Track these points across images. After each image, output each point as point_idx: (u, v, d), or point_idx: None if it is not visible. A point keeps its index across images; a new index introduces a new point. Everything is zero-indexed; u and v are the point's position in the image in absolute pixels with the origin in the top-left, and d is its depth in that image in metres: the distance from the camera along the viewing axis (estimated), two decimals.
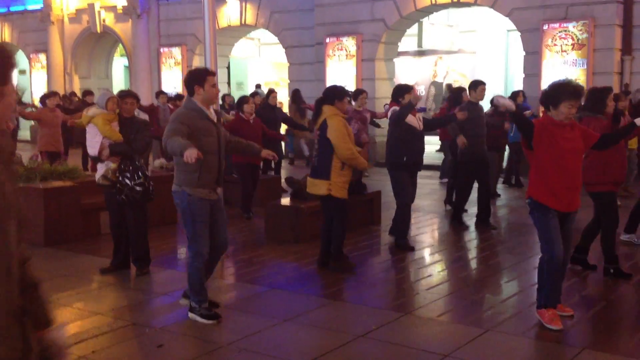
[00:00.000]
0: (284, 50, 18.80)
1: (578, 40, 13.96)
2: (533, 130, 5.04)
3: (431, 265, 7.39)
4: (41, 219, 7.81)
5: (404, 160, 7.51)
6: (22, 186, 7.64)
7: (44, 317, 2.17)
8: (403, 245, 7.72)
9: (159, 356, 4.80)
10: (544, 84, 14.15)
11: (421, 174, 8.44)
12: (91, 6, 21.49)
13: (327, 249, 6.88)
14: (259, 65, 24.33)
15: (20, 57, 23.55)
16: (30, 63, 23.86)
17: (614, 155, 6.05)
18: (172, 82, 20.52)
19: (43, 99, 12.14)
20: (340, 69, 16.94)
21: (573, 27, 13.97)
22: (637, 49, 13.97)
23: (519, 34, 15.08)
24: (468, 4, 16.00)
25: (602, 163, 6.08)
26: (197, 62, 20.20)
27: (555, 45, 14.17)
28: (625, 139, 6.02)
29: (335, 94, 6.67)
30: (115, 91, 8.94)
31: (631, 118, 6.63)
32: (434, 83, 19.59)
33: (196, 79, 5.23)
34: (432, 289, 6.51)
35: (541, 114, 5.39)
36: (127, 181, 6.41)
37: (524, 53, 14.90)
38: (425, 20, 18.20)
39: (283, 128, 13.37)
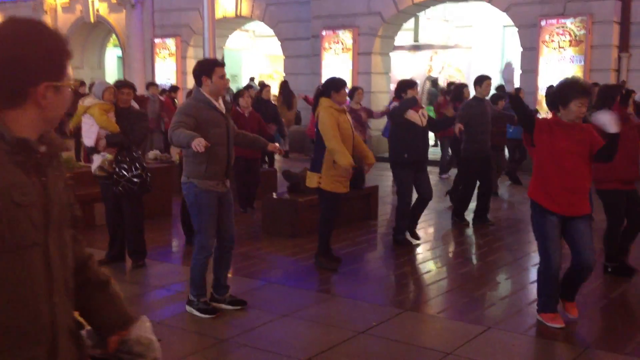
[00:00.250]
0: (279, 42, 18.68)
1: (575, 36, 13.93)
2: (534, 123, 4.94)
3: (429, 261, 7.33)
4: None
5: (404, 158, 7.39)
6: None
7: (123, 316, 2.00)
8: (401, 241, 7.65)
9: None
10: (541, 81, 14.14)
11: None
12: None
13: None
14: (253, 58, 24.19)
15: None
16: None
17: (619, 152, 5.88)
18: (166, 73, 20.37)
19: None
20: (336, 63, 16.84)
21: (571, 24, 13.93)
22: (634, 46, 13.94)
23: (516, 29, 15.03)
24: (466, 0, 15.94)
25: None
26: (191, 54, 20.05)
27: (552, 41, 14.13)
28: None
29: (331, 85, 6.57)
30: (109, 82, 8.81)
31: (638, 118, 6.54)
32: (429, 78, 19.52)
33: (204, 69, 5.13)
34: (432, 285, 6.45)
35: (550, 116, 5.21)
36: (124, 172, 6.31)
37: (521, 49, 14.84)
38: (421, 14, 18.12)
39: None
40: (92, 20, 21.59)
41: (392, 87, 17.84)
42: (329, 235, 6.74)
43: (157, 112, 14.22)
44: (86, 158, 9.22)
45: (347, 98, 8.09)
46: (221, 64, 5.25)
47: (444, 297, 6.07)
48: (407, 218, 7.71)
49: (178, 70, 20.28)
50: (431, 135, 14.64)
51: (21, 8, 22.81)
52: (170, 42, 20.42)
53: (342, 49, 16.82)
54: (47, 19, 22.29)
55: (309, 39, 17.41)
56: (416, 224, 7.85)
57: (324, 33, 16.96)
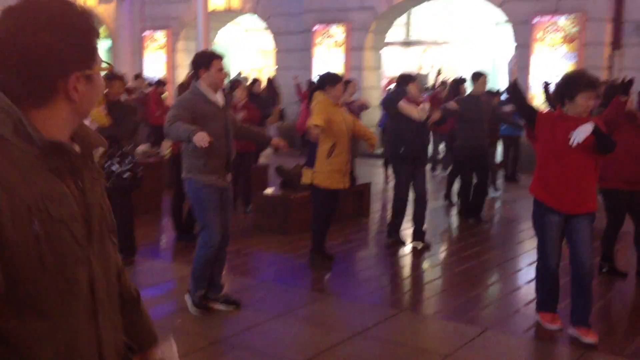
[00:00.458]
0: (271, 36, 18.51)
1: (568, 33, 13.87)
2: (534, 116, 4.78)
3: (423, 260, 7.22)
4: None
5: (401, 152, 7.27)
6: None
7: (150, 335, 1.82)
8: (392, 240, 7.55)
9: None
10: (533, 78, 14.08)
11: None
12: None
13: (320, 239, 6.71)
14: (243, 52, 24.00)
15: None
16: None
17: (619, 149, 5.70)
18: (156, 66, 20.16)
19: None
20: (328, 57, 16.71)
21: (564, 20, 13.87)
22: (627, 43, 13.90)
23: (508, 26, 14.95)
24: None
25: (611, 157, 5.68)
26: (181, 46, 19.85)
27: (545, 38, 14.07)
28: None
29: (326, 80, 6.46)
30: None
31: None
32: (419, 74, 19.41)
33: (202, 62, 4.99)
34: (426, 284, 6.37)
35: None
36: (115, 167, 6.16)
37: (514, 45, 14.76)
38: (413, 10, 18.01)
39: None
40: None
41: (383, 82, 17.85)
42: (323, 233, 6.63)
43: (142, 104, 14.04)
44: None
45: None
46: (219, 57, 5.11)
47: (439, 297, 5.98)
48: (401, 215, 7.58)
49: (168, 63, 20.08)
50: None
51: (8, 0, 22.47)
52: (160, 35, 20.21)
53: (335, 43, 16.69)
54: None
55: (301, 33, 17.27)
56: (420, 229, 7.51)
57: (316, 27, 16.82)
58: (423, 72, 19.47)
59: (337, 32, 16.62)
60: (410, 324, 5.25)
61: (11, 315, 1.33)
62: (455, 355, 4.51)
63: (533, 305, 5.32)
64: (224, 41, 21.94)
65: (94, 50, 1.45)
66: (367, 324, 5.03)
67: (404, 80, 7.39)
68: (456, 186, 9.59)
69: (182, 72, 19.51)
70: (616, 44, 13.98)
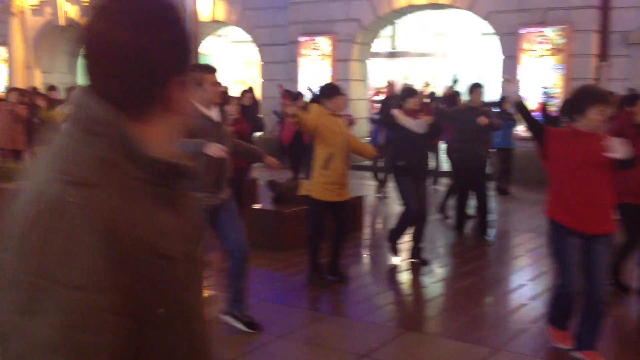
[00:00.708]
0: (254, 48, 18.36)
1: (556, 45, 13.89)
2: (543, 133, 4.64)
3: (421, 276, 7.04)
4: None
5: (401, 164, 7.12)
6: None
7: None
8: (391, 249, 7.39)
9: None
10: (520, 89, 14.04)
11: None
12: None
13: (334, 257, 6.53)
14: (227, 64, 23.81)
15: None
16: None
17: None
18: None
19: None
20: (314, 69, 16.60)
21: (551, 32, 13.88)
22: (613, 55, 13.94)
23: (494, 38, 14.94)
24: (445, 6, 15.81)
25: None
26: None
27: (532, 50, 14.07)
28: None
29: (323, 92, 6.32)
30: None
31: None
32: (404, 85, 19.33)
33: (194, 77, 4.80)
34: (428, 302, 6.22)
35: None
36: None
37: (502, 57, 14.74)
38: (399, 21, 17.97)
39: None
40: (62, 23, 21.03)
41: (370, 94, 17.76)
42: (316, 248, 6.46)
43: None
44: None
45: None
46: (213, 70, 4.92)
47: (442, 316, 5.83)
48: (406, 226, 7.35)
49: None
50: None
51: None
52: None
53: (320, 55, 16.58)
54: (16, 22, 21.71)
55: (287, 44, 17.15)
56: (417, 246, 7.37)
57: (301, 39, 16.71)
58: (409, 83, 19.40)
59: (323, 43, 16.52)
60: (417, 345, 5.09)
61: None
62: None
63: (540, 324, 5.19)
64: (209, 51, 21.76)
65: (189, 51, 1.25)
66: (371, 345, 4.86)
67: (406, 93, 7.28)
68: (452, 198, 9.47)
69: None
70: (603, 55, 14.02)
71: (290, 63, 17.01)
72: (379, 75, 18.51)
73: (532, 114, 5.07)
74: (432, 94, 14.33)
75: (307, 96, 11.81)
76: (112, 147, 1.13)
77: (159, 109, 1.20)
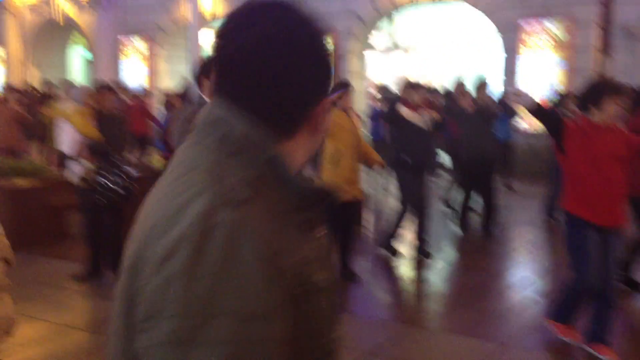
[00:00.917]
0: None
1: (557, 39, 13.79)
2: (562, 128, 4.53)
3: (424, 271, 6.94)
4: (6, 220, 7.19)
5: (403, 159, 7.01)
6: None
7: None
8: (386, 247, 7.30)
9: None
10: (522, 84, 13.95)
11: None
12: None
13: (343, 257, 6.40)
14: None
15: None
16: None
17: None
18: (135, 74, 19.81)
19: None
20: None
21: (553, 26, 13.79)
22: (616, 49, 13.84)
23: (494, 33, 14.84)
24: (446, 1, 15.72)
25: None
26: (161, 55, 19.54)
27: (534, 44, 13.97)
28: None
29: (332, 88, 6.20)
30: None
31: None
32: (407, 80, 19.23)
33: (203, 70, 4.70)
34: (433, 298, 6.13)
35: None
36: (107, 182, 5.85)
37: (501, 52, 14.66)
38: (397, 16, 17.88)
39: None
40: (60, 21, 20.92)
41: (369, 88, 17.66)
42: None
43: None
44: (58, 164, 8.73)
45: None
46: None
47: (448, 311, 5.74)
48: (398, 224, 7.27)
49: (150, 72, 19.75)
50: None
51: None
52: (140, 44, 19.88)
53: None
54: (12, 21, 21.60)
55: None
56: (421, 240, 7.25)
57: None
58: (412, 78, 19.29)
59: None
60: (426, 341, 4.99)
61: None
62: None
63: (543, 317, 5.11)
64: (209, 46, 21.69)
65: (331, 69, 1.20)
66: (379, 341, 4.78)
67: (409, 87, 7.17)
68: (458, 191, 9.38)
69: (161, 81, 19.23)
70: (606, 49, 13.91)
71: None
72: (378, 69, 18.43)
73: (549, 113, 4.93)
74: (434, 90, 14.21)
75: None
76: (262, 167, 1.08)
77: (304, 130, 1.15)
